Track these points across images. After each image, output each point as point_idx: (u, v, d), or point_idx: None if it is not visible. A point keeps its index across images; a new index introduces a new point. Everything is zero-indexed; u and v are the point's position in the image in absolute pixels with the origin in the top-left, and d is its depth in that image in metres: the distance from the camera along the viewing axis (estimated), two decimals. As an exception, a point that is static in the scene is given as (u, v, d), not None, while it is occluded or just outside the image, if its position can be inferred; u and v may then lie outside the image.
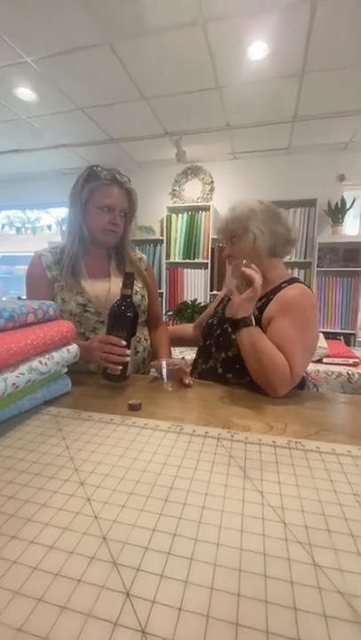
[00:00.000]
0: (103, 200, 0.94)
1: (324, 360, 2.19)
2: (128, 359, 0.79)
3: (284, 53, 1.87)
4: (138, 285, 1.04)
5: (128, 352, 0.78)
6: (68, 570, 0.30)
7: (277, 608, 0.28)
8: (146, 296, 1.08)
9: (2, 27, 1.70)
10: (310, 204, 2.99)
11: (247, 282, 0.77)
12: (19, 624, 0.26)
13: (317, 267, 2.96)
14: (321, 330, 2.96)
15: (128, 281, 0.80)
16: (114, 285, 1.00)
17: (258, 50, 1.84)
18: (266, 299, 0.87)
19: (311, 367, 2.11)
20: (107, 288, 1.00)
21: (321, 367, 2.10)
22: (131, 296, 0.81)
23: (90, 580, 0.30)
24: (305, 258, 3.04)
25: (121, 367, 0.78)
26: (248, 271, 0.77)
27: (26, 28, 1.71)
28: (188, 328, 1.25)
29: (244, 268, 0.78)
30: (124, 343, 0.77)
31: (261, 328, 0.83)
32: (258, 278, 0.76)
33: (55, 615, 0.26)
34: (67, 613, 0.27)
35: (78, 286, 0.97)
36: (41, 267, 0.98)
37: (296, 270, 3.07)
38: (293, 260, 3.05)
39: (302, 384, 0.97)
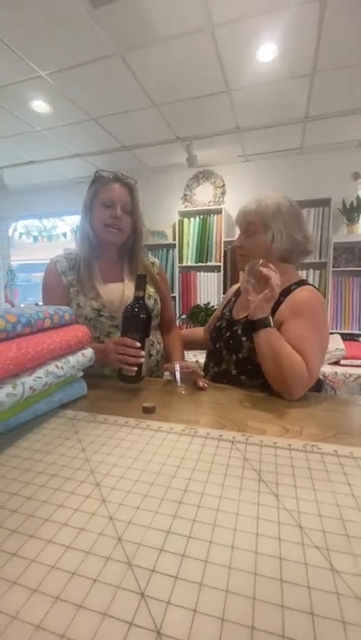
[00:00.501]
0: (104, 195, 0.97)
1: (342, 362, 2.15)
2: (143, 360, 0.79)
3: (293, 54, 1.86)
4: (150, 289, 1.05)
5: (142, 353, 0.79)
6: (84, 569, 0.31)
7: (294, 613, 0.27)
8: (158, 300, 1.08)
9: (18, 44, 1.77)
10: (324, 203, 2.95)
11: (264, 282, 0.75)
12: (37, 621, 0.26)
13: (333, 267, 2.91)
14: (338, 331, 2.90)
15: (140, 283, 0.81)
16: (127, 289, 1.01)
17: (267, 52, 1.84)
18: (276, 301, 0.87)
19: (328, 369, 2.07)
20: (120, 292, 1.01)
21: (339, 369, 2.05)
22: (143, 298, 0.82)
23: (105, 580, 0.30)
24: (320, 258, 2.99)
25: (136, 368, 0.79)
26: (265, 271, 0.75)
27: (40, 43, 1.77)
28: (199, 332, 1.25)
29: (261, 268, 0.76)
30: (138, 345, 0.78)
31: None
32: (275, 278, 0.74)
33: (72, 613, 0.27)
34: (83, 612, 0.27)
35: (93, 291, 0.98)
36: (56, 273, 1.01)
37: (311, 271, 3.02)
38: (308, 260, 3.00)
39: (319, 387, 0.96)
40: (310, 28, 1.68)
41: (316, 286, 0.89)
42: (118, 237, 1.00)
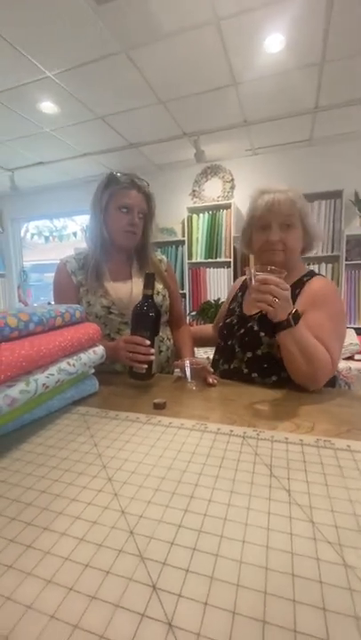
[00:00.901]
0: (122, 201, 0.97)
1: (356, 357, 2.11)
2: (153, 358, 0.80)
3: (301, 43, 1.82)
4: (159, 286, 1.06)
5: (152, 351, 0.79)
6: (97, 561, 0.32)
7: (306, 608, 0.27)
8: (167, 296, 1.09)
9: (24, 45, 1.79)
10: (336, 195, 2.89)
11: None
12: (51, 611, 0.27)
13: (346, 260, 2.85)
14: (351, 326, 2.84)
15: (148, 281, 0.81)
16: (136, 287, 1.02)
17: (274, 42, 1.80)
18: (291, 294, 0.85)
19: (342, 364, 2.03)
20: (129, 290, 1.02)
21: (353, 364, 2.02)
22: (152, 296, 0.82)
23: (118, 572, 0.30)
24: (332, 251, 2.93)
25: (146, 366, 0.80)
26: (262, 278, 0.71)
27: (46, 44, 1.78)
28: (208, 328, 1.25)
29: (258, 275, 0.71)
30: (147, 343, 0.79)
31: None
32: (274, 281, 0.70)
33: (85, 604, 0.28)
34: (96, 603, 0.28)
35: (102, 289, 1.00)
36: (66, 273, 1.02)
37: (323, 265, 2.97)
38: (320, 254, 2.96)
39: (333, 382, 0.94)
40: (318, 16, 1.64)
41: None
42: (133, 241, 1.03)
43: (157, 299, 1.02)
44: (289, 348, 0.76)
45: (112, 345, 0.85)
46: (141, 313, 0.81)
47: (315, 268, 2.94)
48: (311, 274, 0.90)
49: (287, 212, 0.84)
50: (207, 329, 1.25)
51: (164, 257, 1.18)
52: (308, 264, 2.91)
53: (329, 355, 0.76)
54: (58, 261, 1.07)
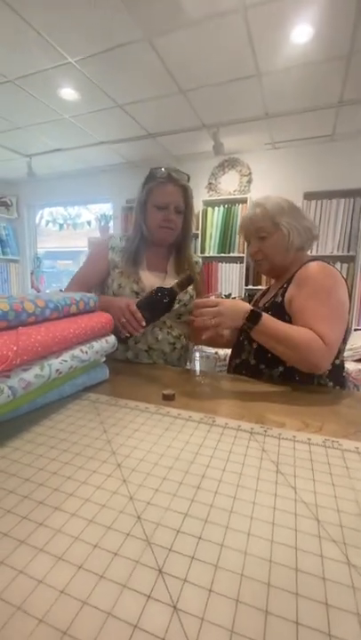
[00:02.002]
0: (158, 198, 1.00)
1: (367, 359, 2.08)
2: (137, 334, 0.87)
3: (330, 35, 1.76)
4: (189, 287, 1.08)
5: (142, 331, 0.87)
6: (105, 543, 0.33)
7: (308, 602, 0.27)
8: (195, 297, 1.11)
9: (48, 30, 1.78)
10: (356, 193, 2.82)
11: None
12: (61, 586, 0.28)
13: (362, 260, 2.79)
14: (364, 328, 2.79)
15: (186, 283, 0.84)
16: (167, 282, 1.05)
17: (302, 33, 1.75)
18: (287, 284, 0.88)
19: (352, 366, 2.01)
20: (160, 282, 1.05)
21: (363, 367, 1.99)
22: (177, 293, 0.85)
23: (125, 555, 0.31)
24: (348, 251, 2.88)
25: (129, 335, 0.85)
26: (197, 313, 0.77)
27: (70, 30, 1.77)
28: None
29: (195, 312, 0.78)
30: (143, 324, 0.83)
31: (285, 312, 0.84)
32: (205, 306, 0.76)
33: (94, 582, 0.29)
34: (104, 582, 0.29)
35: (135, 275, 1.04)
36: (106, 246, 1.08)
37: (339, 264, 2.91)
38: (335, 253, 2.90)
39: (343, 384, 0.94)
40: (349, 7, 1.58)
41: (344, 277, 0.87)
42: (170, 236, 1.05)
43: (185, 297, 1.05)
44: (267, 343, 0.79)
45: (114, 301, 0.88)
46: (157, 298, 0.84)
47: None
48: (309, 261, 0.88)
49: (255, 227, 0.92)
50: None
51: (199, 259, 1.20)
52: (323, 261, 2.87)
53: (318, 335, 0.74)
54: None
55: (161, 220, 1.00)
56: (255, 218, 0.92)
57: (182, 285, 0.84)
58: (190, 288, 1.08)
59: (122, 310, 0.83)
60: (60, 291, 1.18)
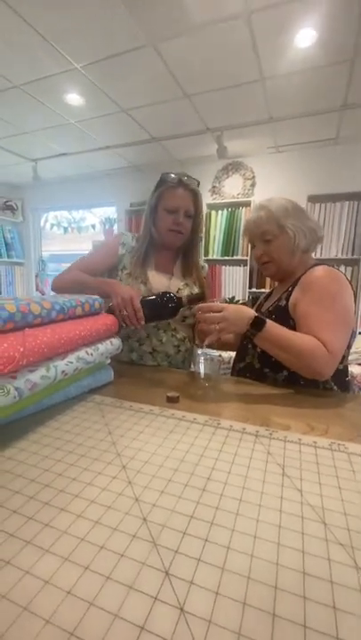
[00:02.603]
0: (168, 202, 1.01)
1: (372, 363, 2.06)
2: (132, 328, 0.90)
3: (333, 39, 1.77)
4: (195, 290, 1.09)
5: (138, 327, 0.89)
6: (111, 544, 0.33)
7: (316, 605, 0.27)
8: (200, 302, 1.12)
9: (54, 36, 1.81)
10: (359, 197, 2.81)
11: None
12: (68, 587, 0.28)
13: (366, 264, 2.78)
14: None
15: (196, 301, 0.84)
16: (173, 285, 1.07)
17: (305, 37, 1.76)
18: (292, 287, 0.87)
19: (357, 370, 2.00)
20: (166, 284, 1.06)
21: (368, 370, 1.98)
22: (183, 306, 0.86)
23: (132, 556, 0.31)
24: (353, 254, 2.87)
25: (124, 326, 0.86)
26: (200, 317, 0.77)
27: (75, 36, 1.79)
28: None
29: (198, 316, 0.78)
30: (142, 323, 0.84)
31: (289, 316, 0.84)
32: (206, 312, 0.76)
33: (100, 583, 0.29)
34: (111, 583, 0.29)
35: (144, 276, 1.04)
36: (118, 241, 1.10)
37: (343, 267, 2.90)
38: (339, 256, 2.90)
39: (347, 388, 0.93)
40: (353, 11, 1.59)
41: (349, 281, 0.86)
42: (179, 240, 1.06)
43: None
44: (270, 350, 0.78)
45: (118, 288, 0.87)
46: (163, 302, 0.85)
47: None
48: (314, 266, 0.88)
49: (260, 231, 0.91)
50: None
51: (205, 264, 1.21)
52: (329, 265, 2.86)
53: (320, 340, 0.74)
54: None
55: (171, 224, 1.01)
56: (260, 221, 0.91)
57: (192, 301, 0.84)
58: (196, 290, 1.09)
59: (125, 302, 0.84)
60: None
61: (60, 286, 1.02)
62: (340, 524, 0.36)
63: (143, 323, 0.85)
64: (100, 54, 1.93)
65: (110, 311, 0.86)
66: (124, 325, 0.85)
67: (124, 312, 0.84)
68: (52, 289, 1.04)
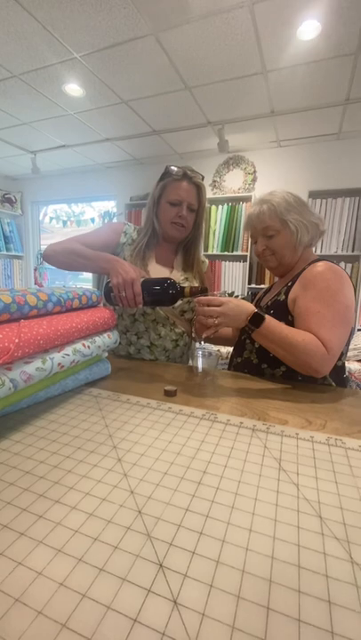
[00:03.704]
0: (171, 195, 1.00)
1: (370, 360, 2.07)
2: (128, 310, 0.91)
3: (338, 31, 1.74)
4: (195, 283, 1.09)
5: (134, 311, 0.93)
6: (105, 536, 0.32)
7: (311, 599, 0.27)
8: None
9: (53, 25, 1.77)
10: (361, 193, 2.80)
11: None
12: (61, 579, 0.28)
13: (366, 260, 2.77)
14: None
15: (198, 293, 0.81)
16: (173, 275, 1.06)
17: (309, 29, 1.73)
18: (292, 282, 0.86)
19: (356, 366, 2.00)
20: (167, 275, 1.05)
21: (366, 367, 1.98)
22: (184, 297, 0.84)
23: (126, 549, 0.31)
24: (353, 250, 2.86)
25: (120, 306, 0.85)
26: (200, 310, 0.76)
27: (75, 25, 1.76)
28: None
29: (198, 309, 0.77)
30: (140, 305, 0.83)
31: (289, 311, 0.83)
32: (205, 305, 0.75)
33: (93, 575, 0.28)
34: (104, 575, 0.28)
35: (144, 268, 1.03)
36: (120, 229, 1.08)
37: (343, 264, 2.89)
38: (340, 252, 2.89)
39: (345, 383, 0.93)
40: (357, 3, 1.56)
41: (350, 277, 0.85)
42: (182, 233, 1.05)
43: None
44: (268, 346, 0.78)
45: (120, 266, 0.84)
46: (164, 289, 0.82)
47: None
48: (315, 261, 0.87)
49: (262, 226, 0.90)
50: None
51: (206, 260, 1.19)
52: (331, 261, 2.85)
53: (318, 337, 0.74)
54: None
55: (174, 216, 1.00)
56: (262, 216, 0.90)
57: (194, 293, 0.82)
58: (197, 284, 1.08)
59: (125, 284, 0.81)
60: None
61: (52, 254, 0.95)
62: (337, 519, 0.36)
63: (141, 306, 0.83)
64: (100, 44, 1.90)
65: (108, 289, 0.84)
66: (120, 305, 0.84)
67: (123, 293, 0.81)
68: (44, 256, 0.98)
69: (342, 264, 2.89)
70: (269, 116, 2.58)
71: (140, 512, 0.36)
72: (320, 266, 0.83)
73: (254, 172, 3.27)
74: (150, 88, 2.31)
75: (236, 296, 3.17)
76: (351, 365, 2.00)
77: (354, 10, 1.61)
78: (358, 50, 1.87)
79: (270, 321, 0.76)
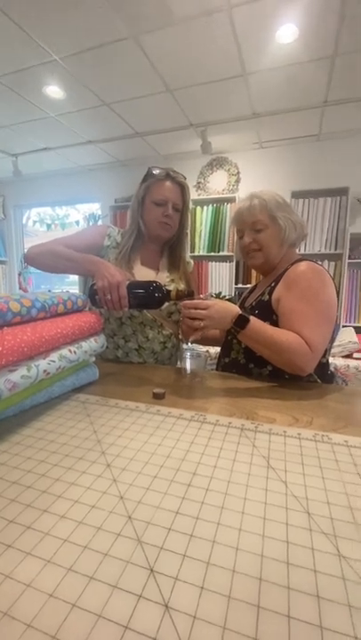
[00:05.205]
0: (156, 195, 1.00)
1: (355, 355, 2.11)
2: (114, 313, 0.93)
3: (315, 35, 1.78)
4: (181, 286, 1.08)
5: (120, 314, 0.93)
6: (95, 544, 0.32)
7: (300, 595, 0.27)
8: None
9: (31, 26, 1.75)
10: (342, 192, 2.86)
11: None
12: (50, 590, 0.27)
13: (349, 258, 2.84)
14: (352, 324, 2.84)
15: (185, 297, 0.81)
16: (159, 280, 1.04)
17: (287, 33, 1.77)
18: (275, 282, 0.88)
19: (341, 362, 2.04)
20: (153, 277, 1.05)
21: (351, 362, 2.03)
22: (169, 298, 0.83)
23: (116, 555, 0.31)
24: (335, 249, 2.92)
25: (104, 308, 0.83)
26: (185, 313, 0.77)
27: (54, 27, 1.75)
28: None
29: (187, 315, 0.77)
30: (126, 309, 0.82)
31: (273, 311, 0.84)
32: (192, 308, 0.76)
33: (83, 584, 0.28)
34: (94, 583, 0.28)
35: (129, 270, 1.02)
36: (104, 232, 1.07)
37: (326, 262, 2.96)
38: (323, 251, 2.95)
39: (331, 379, 0.95)
40: (333, 7, 1.60)
41: (331, 276, 0.87)
42: (168, 232, 1.05)
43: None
44: (253, 346, 0.80)
45: (105, 269, 0.83)
46: (150, 292, 0.82)
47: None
48: (297, 261, 0.88)
49: (252, 220, 0.91)
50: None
51: (191, 260, 1.19)
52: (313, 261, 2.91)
53: (302, 337, 0.75)
54: None
55: (160, 216, 1.00)
56: (253, 210, 0.90)
57: (180, 296, 0.82)
58: (183, 287, 1.08)
59: (111, 287, 0.80)
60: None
61: (35, 256, 0.94)
62: (324, 514, 0.37)
63: (127, 309, 0.83)
64: (80, 46, 1.89)
65: (93, 292, 0.83)
66: (105, 308, 0.83)
67: (108, 296, 0.80)
68: (26, 258, 0.96)
69: (326, 262, 2.95)
70: (251, 117, 2.62)
71: (129, 517, 0.36)
72: (302, 265, 0.85)
73: (238, 173, 3.31)
74: (132, 90, 2.31)
75: (224, 296, 3.20)
76: (337, 361, 2.04)
77: (330, 15, 1.65)
78: (335, 53, 1.92)
79: (255, 322, 0.77)
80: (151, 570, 0.29)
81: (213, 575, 0.29)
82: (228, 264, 3.25)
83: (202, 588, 0.28)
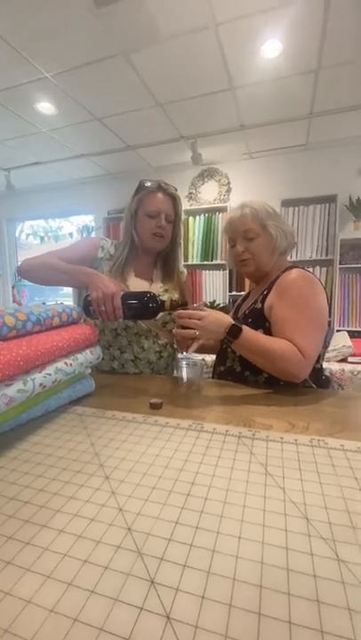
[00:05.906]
0: (149, 207, 1.01)
1: (350, 359, 2.13)
2: (108, 324, 0.94)
3: (298, 50, 1.85)
4: (175, 295, 1.09)
5: (115, 325, 0.95)
6: (95, 557, 0.32)
7: (301, 600, 0.28)
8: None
9: (23, 46, 1.79)
10: (330, 199, 2.93)
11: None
12: (51, 605, 0.27)
13: (340, 264, 2.88)
14: (345, 328, 2.87)
15: (178, 307, 0.82)
16: (153, 290, 1.05)
17: (271, 48, 1.83)
18: (267, 290, 0.89)
19: (336, 367, 2.06)
20: (147, 288, 1.06)
21: (346, 366, 2.04)
22: (163, 309, 0.83)
23: (116, 568, 0.31)
24: (326, 255, 2.97)
25: (99, 319, 0.83)
26: (181, 322, 0.78)
27: (45, 45, 1.79)
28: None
29: (179, 329, 0.78)
30: (120, 320, 0.83)
31: (265, 319, 0.86)
32: (189, 317, 0.77)
33: (84, 598, 0.28)
34: (95, 597, 0.28)
35: (124, 284, 1.03)
36: (97, 244, 1.07)
37: (317, 268, 3.00)
38: (314, 257, 2.99)
39: (327, 384, 0.96)
40: (315, 24, 1.67)
41: (323, 283, 0.89)
42: (161, 244, 1.06)
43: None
44: (247, 355, 0.81)
45: (99, 280, 0.83)
46: (144, 302, 0.82)
47: (308, 271, 2.97)
48: (288, 269, 0.90)
49: (243, 228, 0.92)
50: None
51: (184, 270, 1.21)
52: (303, 268, 2.95)
53: (294, 344, 0.76)
54: None
55: (153, 228, 1.01)
56: (245, 219, 0.92)
57: (173, 306, 0.82)
58: (177, 297, 1.09)
59: (105, 298, 0.80)
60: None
61: (29, 269, 0.95)
62: (322, 519, 0.37)
63: (121, 320, 0.83)
64: (70, 64, 1.93)
65: (87, 303, 0.83)
66: (100, 319, 0.83)
67: (102, 307, 0.81)
68: (20, 271, 0.97)
69: (317, 268, 3.00)
70: (239, 129, 2.68)
71: (129, 529, 0.36)
72: (293, 273, 0.86)
73: (228, 183, 3.37)
74: (122, 105, 2.36)
75: (218, 305, 3.22)
76: (332, 366, 2.05)
77: (311, 30, 1.71)
78: (318, 67, 1.98)
79: (247, 331, 0.78)
80: (152, 581, 0.29)
81: (214, 584, 0.29)
82: (221, 272, 3.28)
83: (203, 597, 0.28)
